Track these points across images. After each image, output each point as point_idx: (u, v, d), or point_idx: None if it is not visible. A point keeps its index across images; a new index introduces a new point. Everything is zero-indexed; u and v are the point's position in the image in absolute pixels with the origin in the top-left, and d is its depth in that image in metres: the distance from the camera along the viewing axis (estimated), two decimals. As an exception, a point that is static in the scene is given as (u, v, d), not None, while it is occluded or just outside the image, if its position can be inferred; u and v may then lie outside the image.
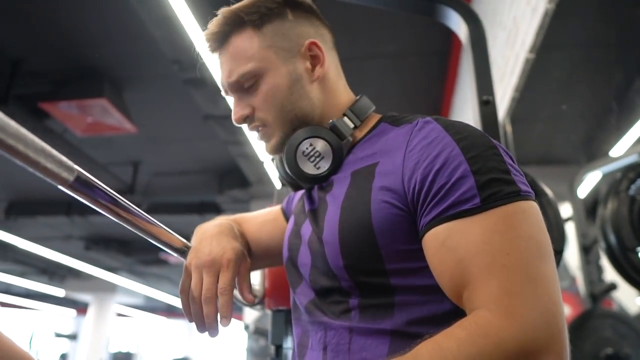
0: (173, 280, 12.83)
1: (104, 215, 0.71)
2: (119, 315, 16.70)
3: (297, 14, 0.96)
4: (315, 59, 0.95)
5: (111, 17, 3.68)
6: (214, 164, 6.41)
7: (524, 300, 0.64)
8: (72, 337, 16.80)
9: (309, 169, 0.92)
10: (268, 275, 1.39)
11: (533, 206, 0.72)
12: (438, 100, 4.82)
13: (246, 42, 0.92)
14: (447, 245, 0.71)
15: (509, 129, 2.66)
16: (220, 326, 0.87)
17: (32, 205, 7.44)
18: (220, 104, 4.17)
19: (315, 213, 0.93)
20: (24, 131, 0.54)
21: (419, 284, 0.77)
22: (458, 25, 1.67)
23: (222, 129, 4.75)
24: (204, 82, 3.86)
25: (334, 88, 0.98)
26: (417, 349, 0.65)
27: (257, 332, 3.96)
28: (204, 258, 0.90)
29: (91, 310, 14.27)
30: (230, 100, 0.99)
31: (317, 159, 0.92)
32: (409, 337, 0.65)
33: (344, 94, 0.99)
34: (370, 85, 4.32)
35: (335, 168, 0.92)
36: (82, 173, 0.63)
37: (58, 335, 16.63)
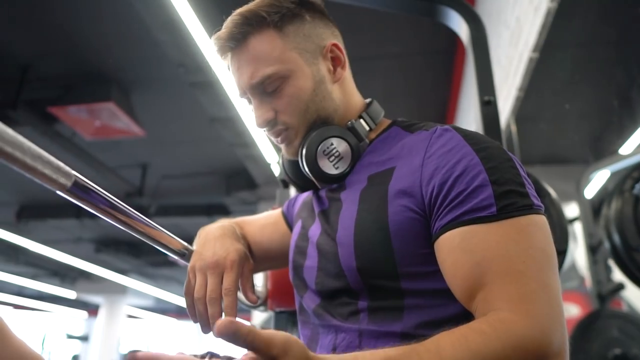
0: (182, 282, 12.70)
1: (104, 219, 0.72)
2: (130, 316, 16.78)
3: (313, 15, 0.95)
4: (336, 61, 0.96)
5: (117, 22, 3.71)
6: (221, 166, 6.43)
7: (540, 305, 0.66)
8: (84, 338, 16.91)
9: (328, 168, 0.92)
10: (270, 277, 1.40)
11: (544, 220, 0.75)
12: (444, 100, 4.81)
13: (269, 43, 0.90)
14: (462, 247, 0.72)
15: (513, 128, 2.66)
16: (240, 304, 0.90)
17: (42, 209, 7.50)
18: (226, 106, 4.19)
19: (326, 214, 0.94)
20: (21, 138, 0.55)
21: (429, 288, 0.79)
22: (459, 26, 1.68)
23: (228, 131, 4.77)
24: (209, 85, 3.88)
25: (351, 89, 0.99)
26: (437, 339, 0.64)
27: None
28: (207, 260, 0.91)
29: (102, 312, 14.35)
30: (244, 102, 0.98)
31: (337, 159, 0.92)
32: (418, 340, 0.66)
33: (357, 96, 1.01)
34: (377, 85, 4.32)
35: (351, 169, 0.93)
36: (79, 178, 0.64)
37: (70, 336, 16.74)
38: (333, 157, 0.92)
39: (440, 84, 4.59)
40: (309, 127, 0.93)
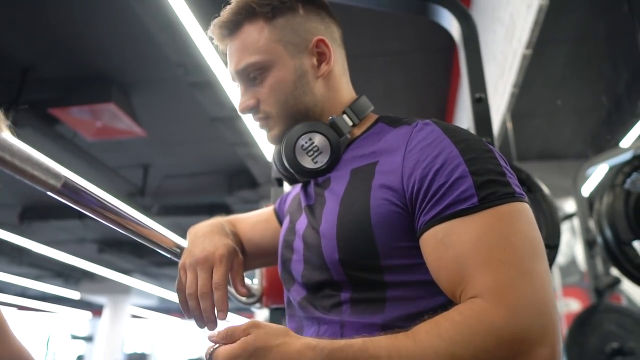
0: (186, 281, 12.88)
1: (95, 219, 0.74)
2: (134, 316, 16.82)
3: (308, 8, 0.97)
4: (321, 56, 0.97)
5: (117, 23, 3.73)
6: (222, 166, 6.45)
7: (518, 292, 0.66)
8: (88, 338, 16.96)
9: (307, 162, 0.93)
10: (266, 274, 1.41)
11: (526, 207, 0.75)
12: (443, 97, 4.82)
13: (257, 33, 0.94)
14: (445, 242, 0.73)
15: (509, 125, 2.67)
16: (218, 320, 0.89)
17: (45, 210, 7.51)
18: (226, 106, 4.20)
19: (312, 208, 0.95)
20: (10, 141, 0.57)
21: (411, 280, 0.79)
22: (450, 24, 1.69)
23: (229, 131, 4.78)
24: (209, 84, 3.90)
25: (337, 85, 1.00)
26: (417, 327, 0.68)
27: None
28: (197, 256, 0.92)
29: (106, 312, 14.38)
30: (236, 89, 1.01)
31: (315, 154, 0.93)
32: (400, 331, 0.69)
33: (345, 92, 1.01)
34: (376, 83, 4.33)
35: (332, 163, 0.94)
36: (69, 179, 0.66)
37: (74, 337, 16.80)
38: (312, 152, 0.94)
39: (440, 81, 4.60)
40: (287, 118, 0.96)
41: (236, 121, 4.53)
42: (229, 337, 0.68)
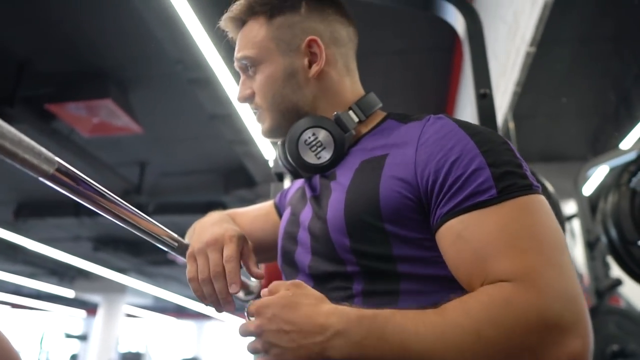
0: (182, 281, 12.86)
1: (88, 207, 0.71)
2: (129, 315, 16.78)
3: (312, 7, 0.97)
4: (314, 56, 0.96)
5: (115, 18, 3.70)
6: (220, 164, 6.42)
7: (548, 279, 0.64)
8: (82, 337, 16.90)
9: (310, 158, 0.93)
10: (265, 270, 1.39)
11: (544, 200, 0.73)
12: (443, 96, 4.81)
13: (256, 29, 0.97)
14: (463, 236, 0.71)
15: (511, 125, 2.64)
16: (235, 300, 0.90)
17: (40, 207, 7.48)
18: (225, 103, 4.18)
19: (317, 198, 0.94)
20: (0, 122, 0.54)
21: (426, 273, 0.78)
22: (455, 19, 1.67)
23: (227, 129, 4.75)
24: (208, 81, 3.87)
25: (335, 86, 0.98)
26: (445, 304, 0.68)
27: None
28: (206, 240, 0.91)
29: (101, 311, 14.34)
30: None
31: (319, 149, 0.93)
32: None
33: (349, 91, 1.00)
34: (376, 81, 4.31)
35: (336, 159, 0.93)
36: (62, 165, 0.63)
37: (68, 335, 16.73)
38: (315, 147, 0.93)
39: (440, 79, 4.59)
40: (276, 113, 0.97)
41: (234, 119, 4.50)
42: (272, 290, 0.75)
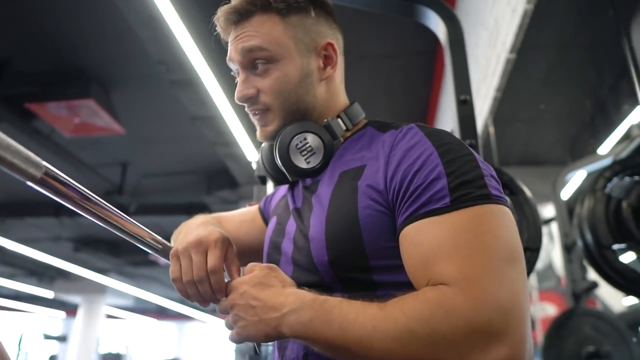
0: (163, 282, 12.79)
1: (74, 211, 0.71)
2: (109, 316, 16.60)
3: (319, 12, 0.98)
4: (328, 59, 0.98)
5: (97, 18, 3.68)
6: (202, 165, 6.41)
7: (482, 286, 0.66)
8: (62, 338, 16.68)
9: (300, 162, 0.94)
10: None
11: (503, 210, 0.74)
12: (424, 101, 4.85)
13: (270, 25, 0.93)
14: (414, 241, 0.74)
15: (491, 130, 2.69)
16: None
17: (20, 207, 7.39)
18: (207, 105, 4.17)
19: (299, 212, 0.95)
20: (-11, 127, 0.55)
21: (400, 280, 0.79)
22: (437, 25, 1.70)
23: (209, 130, 4.75)
24: (190, 83, 3.86)
25: (336, 90, 1.01)
26: (390, 300, 0.71)
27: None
28: (190, 241, 0.90)
29: (81, 312, 14.15)
30: (232, 79, 1.00)
31: (309, 154, 0.94)
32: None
33: (342, 98, 1.03)
34: (358, 86, 4.34)
35: (324, 165, 0.95)
36: (50, 169, 0.64)
37: (47, 337, 16.49)
38: (305, 152, 0.94)
39: (421, 84, 4.63)
40: (286, 115, 0.95)
41: (217, 120, 4.50)
42: (248, 269, 0.84)
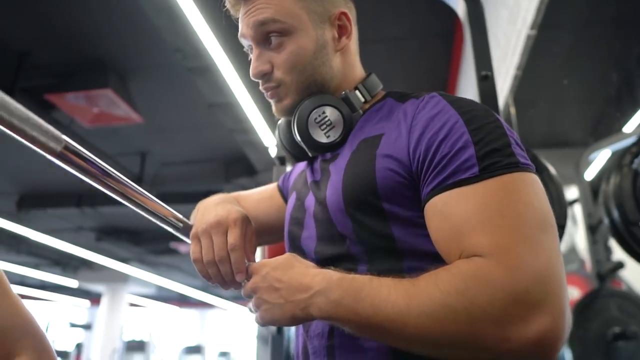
0: (184, 270, 12.90)
1: (94, 186, 0.71)
2: (132, 305, 16.84)
3: None
4: (342, 29, 0.96)
5: (114, 7, 3.68)
6: (220, 153, 6.42)
7: (518, 255, 0.64)
8: (87, 327, 16.98)
9: (320, 136, 0.92)
10: (268, 252, 1.40)
11: (533, 178, 0.72)
12: (443, 84, 4.79)
13: None
14: (443, 212, 0.72)
15: (512, 110, 2.64)
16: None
17: (43, 198, 7.49)
18: (224, 91, 4.17)
19: (317, 183, 0.94)
20: (7, 99, 0.54)
21: (426, 250, 0.78)
22: (456, 2, 1.66)
23: (227, 117, 4.74)
24: (207, 70, 3.86)
25: (352, 61, 0.99)
26: (421, 275, 0.70)
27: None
28: (210, 221, 0.90)
29: (104, 301, 14.39)
30: (245, 54, 0.99)
31: (328, 128, 0.92)
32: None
33: (358, 69, 1.01)
34: (374, 69, 4.28)
35: (344, 138, 0.93)
36: (70, 143, 0.64)
37: (73, 325, 16.82)
38: (325, 126, 0.92)
39: (439, 66, 4.57)
40: (301, 89, 0.93)
41: (234, 107, 4.49)
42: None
